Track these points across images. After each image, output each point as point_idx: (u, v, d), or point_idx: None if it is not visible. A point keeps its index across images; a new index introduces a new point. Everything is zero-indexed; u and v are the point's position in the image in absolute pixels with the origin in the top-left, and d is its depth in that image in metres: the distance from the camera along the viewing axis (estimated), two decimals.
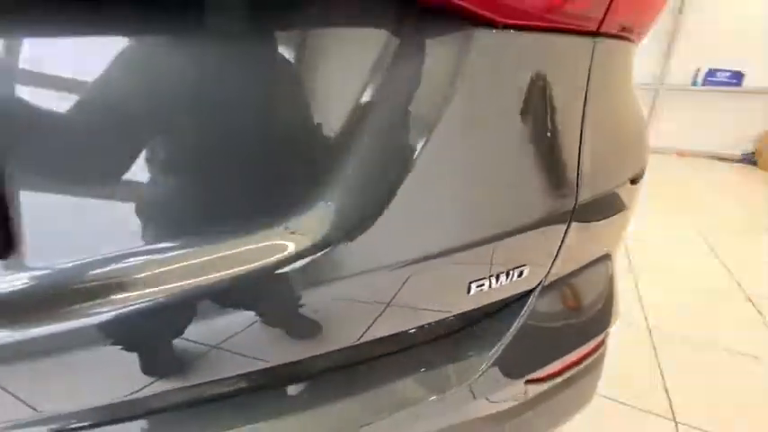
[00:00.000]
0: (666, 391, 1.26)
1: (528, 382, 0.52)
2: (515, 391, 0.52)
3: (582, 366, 0.57)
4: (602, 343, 0.63)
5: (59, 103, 0.28)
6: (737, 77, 4.79)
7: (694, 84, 5.01)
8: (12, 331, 0.31)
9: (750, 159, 4.78)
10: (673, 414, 1.18)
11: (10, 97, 0.28)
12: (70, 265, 0.31)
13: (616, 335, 0.68)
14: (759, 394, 1.26)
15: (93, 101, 0.29)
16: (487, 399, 0.49)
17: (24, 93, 0.28)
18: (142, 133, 0.30)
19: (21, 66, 0.28)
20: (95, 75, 0.28)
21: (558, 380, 0.55)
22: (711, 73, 4.87)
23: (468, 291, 0.41)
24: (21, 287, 0.31)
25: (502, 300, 0.47)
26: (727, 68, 4.80)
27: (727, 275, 2.03)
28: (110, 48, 0.28)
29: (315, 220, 0.33)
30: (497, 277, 0.42)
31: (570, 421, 0.67)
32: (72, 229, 0.31)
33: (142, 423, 0.38)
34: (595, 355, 0.60)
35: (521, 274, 0.44)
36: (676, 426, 1.14)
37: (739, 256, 2.25)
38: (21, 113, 0.28)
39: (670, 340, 1.50)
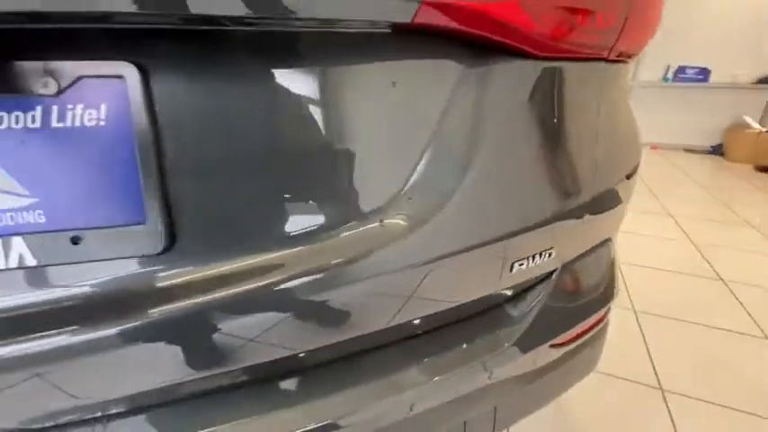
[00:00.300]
0: (653, 364, 1.40)
1: (552, 346, 0.62)
2: (542, 354, 0.62)
3: (592, 333, 0.68)
4: (607, 314, 0.74)
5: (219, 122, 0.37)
6: (704, 74, 5.08)
7: (665, 80, 5.28)
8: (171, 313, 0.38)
9: (718, 151, 5.07)
10: (659, 383, 1.31)
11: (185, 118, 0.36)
12: (216, 255, 0.39)
13: None
14: (734, 361, 1.42)
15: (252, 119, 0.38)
16: (521, 361, 0.59)
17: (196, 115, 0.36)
18: (284, 149, 0.39)
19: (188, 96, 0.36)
20: (256, 100, 0.37)
21: (574, 345, 0.66)
22: (681, 70, 5.14)
23: (511, 269, 0.51)
24: (177, 276, 0.39)
25: (536, 276, 0.57)
26: (695, 65, 5.08)
27: (700, 259, 2.20)
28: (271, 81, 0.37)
29: (405, 215, 0.42)
30: (533, 258, 0.52)
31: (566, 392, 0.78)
32: (217, 226, 0.39)
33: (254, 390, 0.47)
34: (602, 324, 0.71)
35: (550, 255, 0.54)
36: (663, 393, 1.27)
37: (710, 241, 2.44)
38: (188, 130, 0.36)
39: (654, 319, 1.65)
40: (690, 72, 5.10)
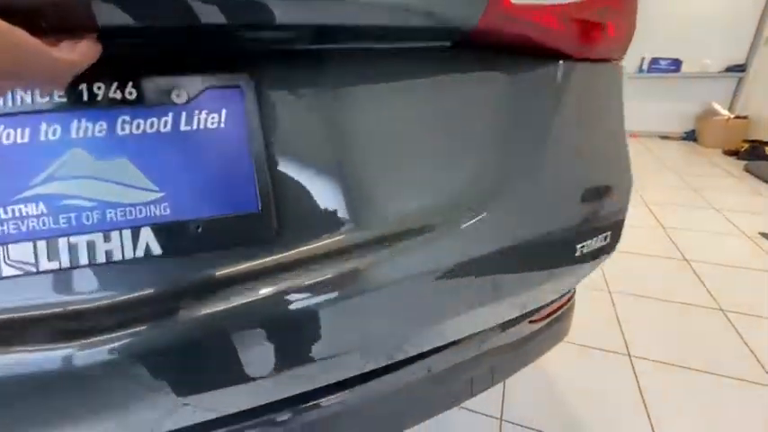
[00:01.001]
0: (623, 334, 1.65)
1: (530, 322, 0.86)
2: (523, 328, 0.85)
3: (563, 309, 0.92)
4: (573, 296, 0.97)
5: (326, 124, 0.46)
6: (676, 64, 5.37)
7: (640, 71, 5.56)
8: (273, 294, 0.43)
9: (691, 137, 5.39)
10: (627, 350, 1.56)
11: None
12: (313, 241, 0.46)
13: (583, 296, 1.01)
14: (692, 330, 1.67)
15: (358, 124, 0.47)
16: (508, 332, 0.82)
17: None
18: (364, 147, 0.47)
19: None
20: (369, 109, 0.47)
21: (548, 320, 0.89)
22: (655, 61, 5.42)
23: (575, 252, 0.64)
24: (280, 260, 0.45)
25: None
26: (667, 56, 5.36)
27: (668, 242, 2.47)
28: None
29: (473, 209, 0.51)
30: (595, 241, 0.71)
31: (543, 359, 0.99)
32: (312, 214, 0.46)
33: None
34: (571, 302, 0.95)
35: (606, 238, 0.67)
36: (630, 358, 1.52)
37: (678, 224, 2.71)
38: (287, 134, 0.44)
39: (626, 298, 1.89)
40: (663, 63, 5.39)
